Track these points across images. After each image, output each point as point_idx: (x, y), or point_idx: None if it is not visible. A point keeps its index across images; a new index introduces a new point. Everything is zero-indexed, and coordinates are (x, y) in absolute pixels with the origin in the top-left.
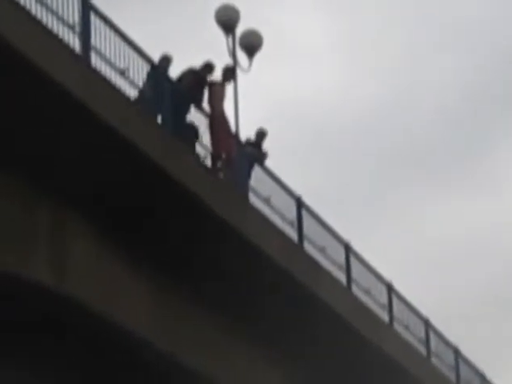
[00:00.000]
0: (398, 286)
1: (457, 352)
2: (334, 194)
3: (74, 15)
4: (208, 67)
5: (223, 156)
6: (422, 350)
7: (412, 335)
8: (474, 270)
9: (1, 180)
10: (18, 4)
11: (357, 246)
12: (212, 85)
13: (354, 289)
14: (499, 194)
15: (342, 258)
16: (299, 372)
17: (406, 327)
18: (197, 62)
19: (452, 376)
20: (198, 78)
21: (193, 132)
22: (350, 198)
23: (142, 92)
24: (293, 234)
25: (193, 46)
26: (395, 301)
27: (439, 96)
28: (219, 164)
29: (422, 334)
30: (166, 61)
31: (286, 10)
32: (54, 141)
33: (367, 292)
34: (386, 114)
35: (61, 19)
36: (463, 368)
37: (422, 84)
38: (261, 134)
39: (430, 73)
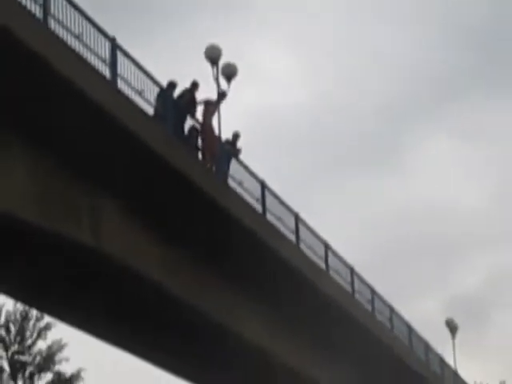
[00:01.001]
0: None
1: (373, 291)
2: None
3: (105, 52)
4: (194, 85)
5: (210, 153)
6: (349, 288)
7: (342, 279)
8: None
9: (61, 174)
10: (71, 49)
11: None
12: (208, 103)
13: (302, 246)
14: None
15: (293, 225)
16: (263, 306)
17: (338, 273)
18: None
19: (369, 307)
20: (191, 96)
21: (196, 133)
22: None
23: (156, 109)
24: (258, 207)
25: (189, 74)
26: (330, 255)
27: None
28: (207, 158)
29: (348, 278)
30: (172, 85)
31: (256, 48)
32: (93, 143)
33: (310, 248)
34: (335, 121)
35: (96, 54)
36: (377, 302)
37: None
38: (235, 135)
39: (362, 91)
